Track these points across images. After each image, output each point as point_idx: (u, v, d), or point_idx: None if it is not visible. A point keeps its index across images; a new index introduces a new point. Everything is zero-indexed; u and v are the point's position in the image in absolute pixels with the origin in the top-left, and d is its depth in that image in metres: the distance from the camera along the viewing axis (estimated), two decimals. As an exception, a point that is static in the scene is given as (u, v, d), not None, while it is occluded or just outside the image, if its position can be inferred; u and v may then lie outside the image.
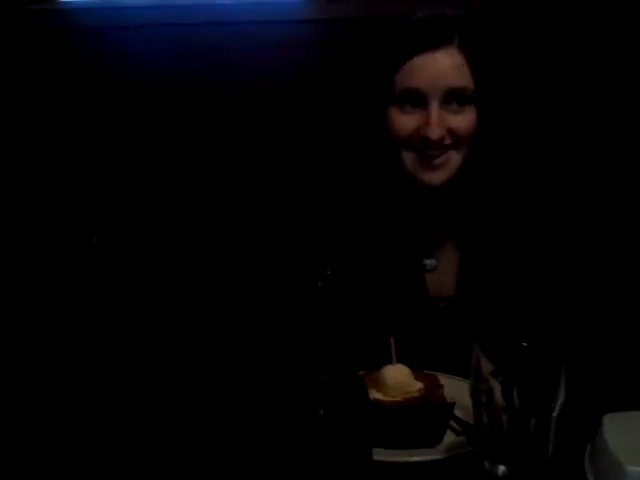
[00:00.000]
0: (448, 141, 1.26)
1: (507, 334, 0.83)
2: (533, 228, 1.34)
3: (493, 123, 1.30)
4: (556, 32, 2.07)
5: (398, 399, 1.01)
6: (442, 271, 1.37)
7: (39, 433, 1.04)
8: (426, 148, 1.26)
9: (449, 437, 1.00)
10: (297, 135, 2.13)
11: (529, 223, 1.35)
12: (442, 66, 1.24)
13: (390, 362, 1.06)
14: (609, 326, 1.28)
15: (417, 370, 1.06)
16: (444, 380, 1.07)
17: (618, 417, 0.89)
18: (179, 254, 1.95)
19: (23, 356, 1.41)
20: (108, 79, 2.15)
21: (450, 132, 1.26)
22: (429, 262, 1.37)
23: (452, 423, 1.02)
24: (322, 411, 0.76)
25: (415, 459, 0.95)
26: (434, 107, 1.24)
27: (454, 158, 1.28)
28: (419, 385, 1.03)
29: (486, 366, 0.82)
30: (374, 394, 1.00)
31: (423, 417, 0.98)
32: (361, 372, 0.95)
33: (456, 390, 1.04)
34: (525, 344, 0.81)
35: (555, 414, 0.80)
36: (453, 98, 1.24)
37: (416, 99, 1.25)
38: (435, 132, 1.23)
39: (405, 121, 1.27)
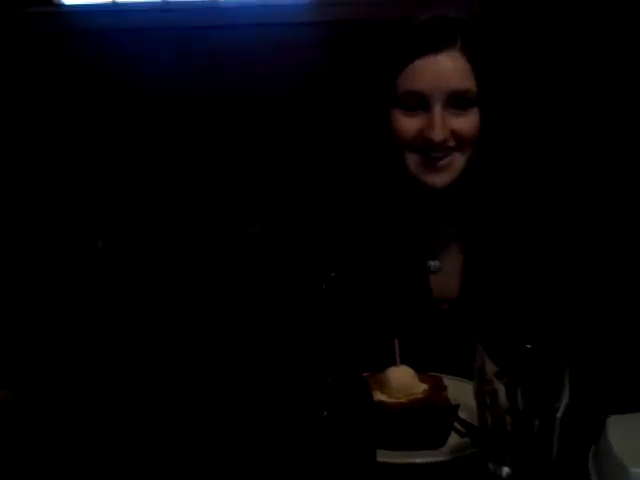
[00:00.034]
0: (451, 143, 1.26)
1: (511, 336, 0.84)
2: (536, 230, 1.34)
3: (496, 125, 1.30)
4: (558, 34, 2.08)
5: (402, 401, 1.01)
6: (446, 272, 1.37)
7: (43, 434, 1.04)
8: (429, 150, 1.26)
9: (453, 439, 1.00)
10: (300, 137, 2.13)
11: (532, 225, 1.35)
12: (445, 68, 1.24)
13: (394, 364, 1.06)
14: (613, 328, 1.28)
15: (421, 372, 1.06)
16: (448, 382, 1.07)
17: (622, 419, 0.89)
18: (183, 257, 1.95)
19: (28, 358, 1.41)
20: (110, 82, 2.16)
21: (453, 134, 1.26)
22: (433, 263, 1.37)
23: (456, 425, 1.02)
24: (326, 412, 0.76)
25: (419, 461, 0.95)
26: (437, 109, 1.24)
27: (457, 160, 1.28)
28: (423, 387, 1.04)
29: (490, 368, 0.82)
30: (378, 396, 1.00)
31: (427, 419, 0.98)
32: (365, 374, 0.95)
33: (460, 392, 1.04)
34: (529, 346, 0.82)
35: (559, 416, 0.80)
36: (456, 100, 1.25)
37: (419, 101, 1.25)
38: (438, 134, 1.23)
39: (408, 123, 1.27)
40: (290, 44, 2.12)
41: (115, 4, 2.29)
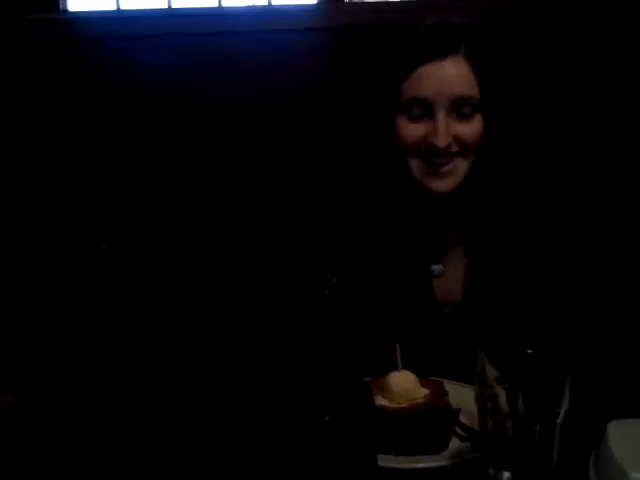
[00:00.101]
0: (455, 149, 1.27)
1: (512, 341, 0.84)
2: (539, 235, 1.35)
3: (500, 131, 1.30)
4: (562, 41, 2.08)
5: (404, 405, 1.01)
6: (449, 277, 1.37)
7: (46, 438, 1.05)
8: (433, 156, 1.27)
9: (454, 443, 1.00)
10: (305, 142, 2.14)
11: (535, 230, 1.35)
12: (449, 75, 1.25)
13: (396, 368, 1.06)
14: (613, 333, 1.28)
15: (422, 376, 1.07)
16: (449, 386, 1.07)
17: (623, 424, 0.89)
18: (187, 261, 1.96)
19: (31, 362, 1.42)
20: (112, 88, 2.16)
21: (457, 140, 1.26)
22: (436, 268, 1.37)
23: (457, 429, 1.02)
24: (328, 417, 0.77)
25: (420, 465, 0.95)
26: (441, 116, 1.24)
27: (461, 166, 1.29)
28: (425, 392, 1.04)
29: (491, 373, 0.82)
30: (380, 400, 1.01)
31: (428, 423, 0.99)
32: (367, 378, 0.95)
33: (461, 396, 1.04)
34: (530, 351, 0.82)
35: (560, 421, 0.80)
36: (460, 106, 1.25)
37: (424, 108, 1.26)
38: (442, 140, 1.24)
39: (412, 129, 1.27)
40: (295, 50, 2.13)
41: (119, 11, 2.30)
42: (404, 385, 1.03)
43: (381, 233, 1.36)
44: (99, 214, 2.12)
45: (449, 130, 1.25)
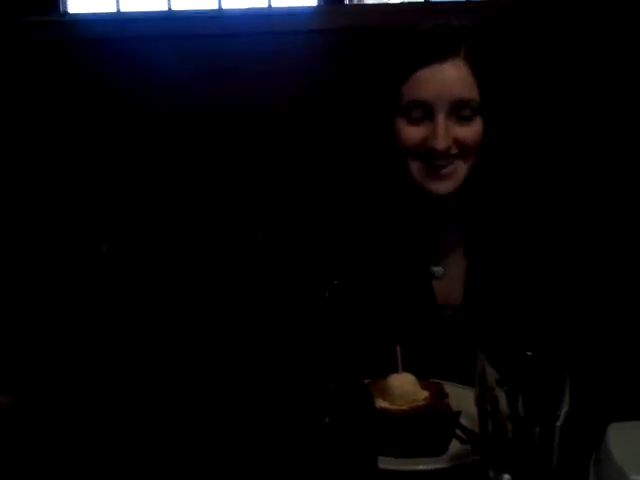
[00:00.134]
0: (454, 151, 1.27)
1: (512, 343, 0.84)
2: (539, 237, 1.35)
3: (499, 133, 1.30)
4: (562, 41, 2.08)
5: (404, 408, 1.01)
6: (450, 278, 1.37)
7: (46, 440, 1.05)
8: (433, 158, 1.27)
9: (454, 446, 1.00)
10: (306, 144, 2.14)
11: (535, 232, 1.35)
12: (448, 77, 1.25)
13: (396, 371, 1.06)
14: (613, 335, 1.28)
15: (423, 379, 1.07)
16: (449, 389, 1.08)
17: (623, 426, 0.89)
18: (188, 263, 1.96)
19: (31, 365, 1.42)
20: (113, 90, 2.16)
21: (456, 142, 1.26)
22: (437, 269, 1.37)
23: (458, 432, 1.02)
24: (328, 419, 0.77)
25: (421, 468, 0.95)
26: (440, 118, 1.24)
27: (461, 168, 1.29)
28: (425, 394, 1.04)
29: (491, 375, 0.82)
30: (380, 403, 1.01)
31: (429, 426, 0.99)
32: (367, 381, 0.95)
33: (461, 399, 1.04)
34: (530, 353, 0.82)
35: (560, 423, 0.80)
36: (459, 109, 1.25)
37: (423, 110, 1.26)
38: (441, 143, 1.24)
39: (412, 132, 1.28)
40: (295, 52, 2.13)
41: (119, 13, 2.30)
42: (404, 387, 1.04)
43: (381, 235, 1.36)
44: (100, 216, 2.12)
45: (449, 133, 1.25)
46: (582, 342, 1.19)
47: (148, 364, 1.40)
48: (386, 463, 0.90)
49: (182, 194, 2.16)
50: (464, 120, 1.26)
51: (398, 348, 1.07)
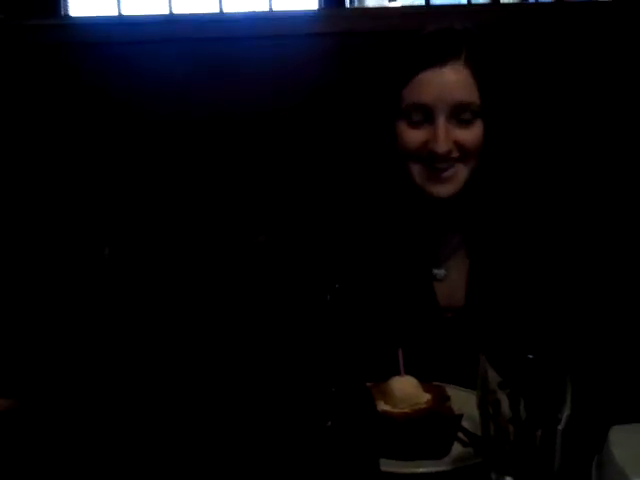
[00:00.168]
0: (455, 154, 1.27)
1: (514, 346, 0.84)
2: (540, 240, 1.35)
3: (500, 136, 1.31)
4: (563, 45, 2.08)
5: (406, 411, 1.01)
6: (452, 281, 1.37)
7: (49, 443, 1.05)
8: (434, 161, 1.27)
9: (456, 448, 1.00)
10: (307, 147, 2.14)
11: (536, 235, 1.35)
12: (449, 81, 1.26)
13: (398, 373, 1.06)
14: (615, 338, 1.28)
15: (425, 381, 1.07)
16: (451, 392, 1.08)
17: (625, 429, 0.89)
18: (189, 266, 1.96)
19: (34, 368, 1.42)
20: (114, 94, 2.16)
21: (457, 145, 1.27)
22: (439, 272, 1.37)
23: (460, 434, 1.02)
24: (330, 422, 0.77)
25: (422, 470, 0.95)
26: (441, 122, 1.25)
27: (462, 171, 1.29)
28: (427, 397, 1.04)
29: (493, 378, 0.83)
30: (382, 406, 1.01)
31: (431, 428, 0.99)
32: (369, 384, 0.96)
33: (463, 401, 1.04)
34: (532, 356, 0.82)
35: (561, 426, 0.81)
36: (460, 112, 1.26)
37: (424, 114, 1.26)
38: (442, 146, 1.24)
39: (413, 135, 1.28)
40: (296, 56, 2.13)
41: (120, 16, 2.31)
42: (406, 390, 1.04)
43: (383, 238, 1.37)
44: (102, 219, 2.12)
45: (449, 136, 1.26)
46: (584, 345, 1.19)
47: (151, 367, 1.41)
48: (388, 466, 0.91)
49: (184, 198, 2.16)
50: (464, 123, 1.27)
51: (400, 351, 1.07)
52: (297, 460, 0.80)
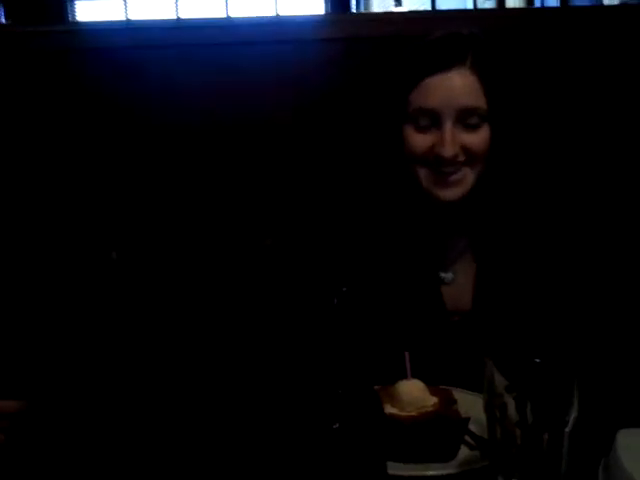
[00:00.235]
0: (462, 158, 1.28)
1: (521, 350, 0.84)
2: (547, 244, 1.35)
3: (506, 141, 1.31)
4: (569, 50, 2.08)
5: (413, 414, 1.01)
6: (459, 284, 1.37)
7: (59, 444, 1.05)
8: (440, 166, 1.27)
9: (463, 452, 1.01)
10: (314, 152, 2.14)
11: (543, 238, 1.36)
12: (455, 86, 1.26)
13: (405, 377, 1.07)
14: (622, 342, 1.28)
15: (432, 385, 1.07)
16: (458, 395, 1.08)
17: (632, 433, 0.89)
18: (196, 270, 1.97)
19: (43, 370, 1.43)
20: (124, 100, 2.16)
21: (464, 150, 1.27)
22: (446, 275, 1.38)
23: (466, 438, 1.03)
24: (337, 425, 0.77)
25: (429, 473, 0.95)
26: (447, 126, 1.25)
27: (468, 175, 1.30)
28: (434, 400, 1.04)
29: (500, 381, 0.83)
30: (389, 409, 1.01)
31: (438, 432, 0.99)
32: (376, 387, 0.96)
33: (470, 405, 1.04)
34: (538, 360, 0.82)
35: (568, 429, 0.81)
36: (466, 117, 1.26)
37: (431, 118, 1.27)
38: (449, 151, 1.25)
39: (420, 140, 1.29)
40: (303, 61, 2.13)
41: (127, 22, 2.32)
42: (413, 393, 1.04)
43: (390, 242, 1.37)
44: (109, 223, 2.12)
45: (456, 140, 1.26)
46: (591, 348, 1.19)
47: (160, 370, 1.41)
48: (395, 469, 0.91)
49: (190, 202, 2.16)
50: (471, 128, 1.27)
51: (407, 354, 1.07)
52: (304, 462, 0.81)
